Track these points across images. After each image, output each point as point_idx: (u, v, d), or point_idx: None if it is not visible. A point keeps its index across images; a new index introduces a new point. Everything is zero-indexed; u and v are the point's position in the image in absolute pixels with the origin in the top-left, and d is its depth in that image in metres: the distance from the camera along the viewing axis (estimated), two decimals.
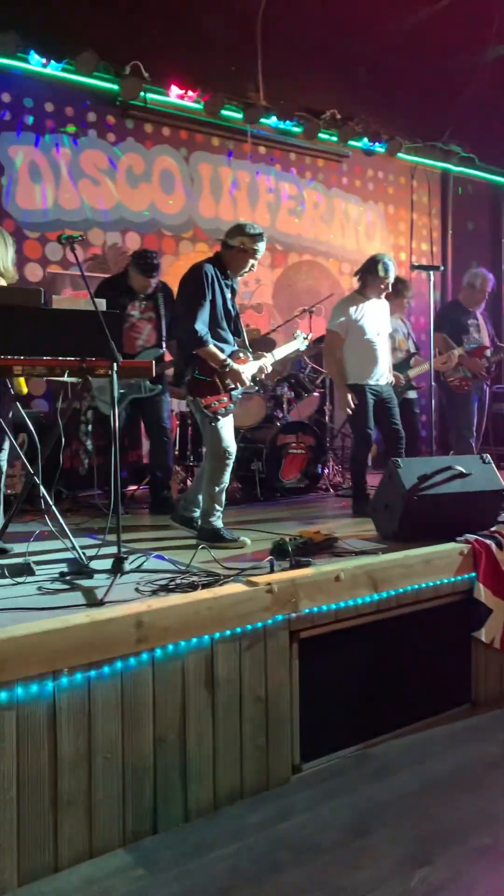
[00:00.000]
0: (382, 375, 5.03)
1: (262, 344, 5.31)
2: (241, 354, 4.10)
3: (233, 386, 3.99)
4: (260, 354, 4.26)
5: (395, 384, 5.71)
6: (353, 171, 8.56)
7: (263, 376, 4.32)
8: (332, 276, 8.33)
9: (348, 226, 8.54)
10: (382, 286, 4.96)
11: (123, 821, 2.59)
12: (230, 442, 4.00)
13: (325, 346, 5.18)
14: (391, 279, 4.97)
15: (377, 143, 8.29)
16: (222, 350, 3.98)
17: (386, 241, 8.82)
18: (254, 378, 4.19)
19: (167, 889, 2.37)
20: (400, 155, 8.54)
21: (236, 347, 4.12)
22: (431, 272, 5.19)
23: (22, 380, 3.66)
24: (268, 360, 4.26)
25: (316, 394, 6.42)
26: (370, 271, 4.94)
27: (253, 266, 4.12)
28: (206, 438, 4.07)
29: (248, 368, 4.07)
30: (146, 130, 7.08)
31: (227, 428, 4.00)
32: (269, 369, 4.29)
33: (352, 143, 8.17)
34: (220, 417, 3.94)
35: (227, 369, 3.95)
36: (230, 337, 4.11)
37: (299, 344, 4.88)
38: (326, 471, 6.35)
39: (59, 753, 2.46)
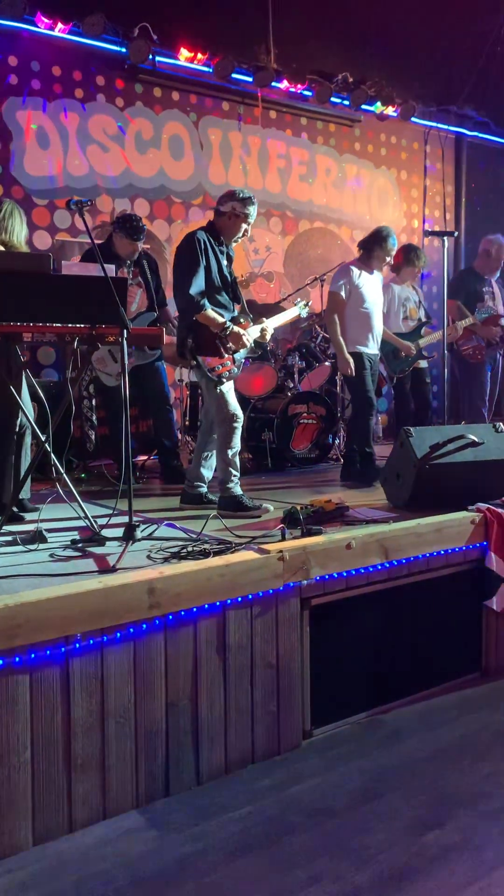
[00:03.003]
0: (375, 344, 5.17)
1: (270, 313, 5.28)
2: (242, 320, 4.11)
3: (235, 349, 3.98)
4: (261, 320, 4.27)
5: (406, 353, 5.69)
6: (366, 136, 8.41)
7: (268, 340, 4.31)
8: (344, 244, 8.23)
9: (360, 192, 8.41)
10: (387, 258, 5.13)
11: (136, 783, 2.63)
12: (236, 405, 4.03)
13: (327, 309, 5.23)
14: (394, 252, 5.17)
15: (390, 108, 8.12)
16: (221, 315, 3.98)
17: (398, 207, 8.70)
18: (256, 342, 4.20)
19: (180, 849, 2.41)
20: (413, 119, 8.37)
21: (236, 313, 4.13)
22: (445, 238, 5.12)
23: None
24: (269, 325, 4.27)
25: (327, 363, 6.37)
26: (377, 242, 5.04)
27: (247, 231, 4.13)
28: (212, 405, 4.07)
29: (249, 332, 4.07)
30: (155, 95, 6.97)
31: (231, 392, 4.04)
32: (271, 333, 4.28)
33: (364, 107, 8.01)
34: (224, 380, 3.96)
35: (228, 332, 3.94)
36: (229, 303, 4.12)
37: (299, 311, 4.90)
38: (337, 441, 6.33)
39: (73, 717, 2.48)
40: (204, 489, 4.18)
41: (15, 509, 3.66)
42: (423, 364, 5.99)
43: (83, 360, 3.88)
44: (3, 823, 2.36)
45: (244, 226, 4.07)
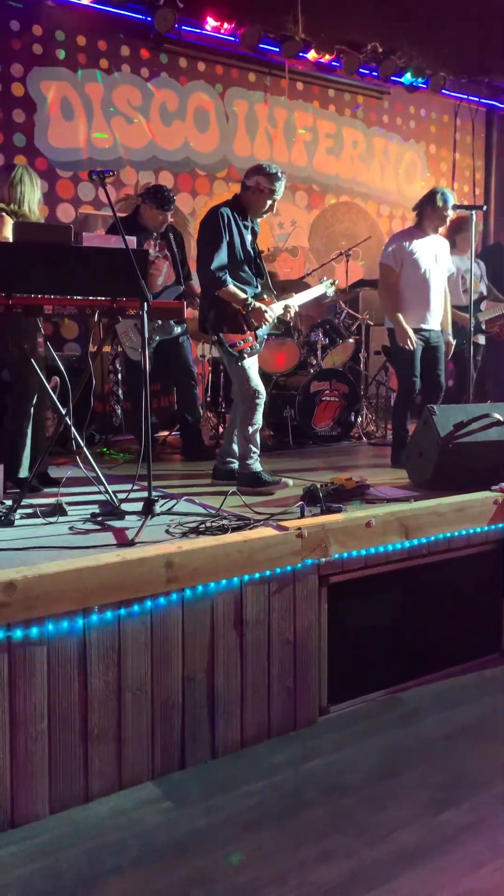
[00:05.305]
0: (433, 319, 4.77)
1: (295, 288, 5.21)
2: (265, 296, 4.05)
3: (257, 325, 3.94)
4: (285, 296, 4.20)
5: (465, 327, 5.51)
6: (395, 109, 8.24)
7: (291, 317, 4.24)
8: (371, 219, 8.11)
9: (388, 166, 8.26)
10: (443, 215, 4.71)
11: (152, 755, 2.64)
12: (258, 382, 3.99)
13: (379, 282, 4.97)
14: (450, 211, 4.73)
15: (420, 79, 7.93)
16: (244, 290, 3.93)
17: (427, 182, 8.53)
18: (279, 319, 4.14)
19: (195, 821, 2.42)
20: (444, 91, 8.17)
21: (259, 289, 4.07)
22: (473, 212, 4.97)
23: None
24: (293, 302, 4.20)
25: (351, 340, 6.30)
26: (428, 202, 4.71)
27: (272, 206, 4.04)
28: (234, 380, 4.05)
29: (271, 308, 4.02)
30: (181, 65, 6.88)
31: (253, 368, 3.99)
32: (295, 310, 4.21)
33: (393, 78, 7.83)
34: (245, 356, 3.92)
35: (250, 308, 3.90)
36: (252, 278, 4.05)
37: (324, 289, 4.78)
38: (359, 419, 6.27)
39: (90, 689, 2.50)
40: (235, 465, 4.17)
41: (35, 481, 3.67)
42: (482, 339, 5.80)
43: (105, 334, 3.87)
44: (20, 792, 2.39)
45: (269, 201, 3.98)
